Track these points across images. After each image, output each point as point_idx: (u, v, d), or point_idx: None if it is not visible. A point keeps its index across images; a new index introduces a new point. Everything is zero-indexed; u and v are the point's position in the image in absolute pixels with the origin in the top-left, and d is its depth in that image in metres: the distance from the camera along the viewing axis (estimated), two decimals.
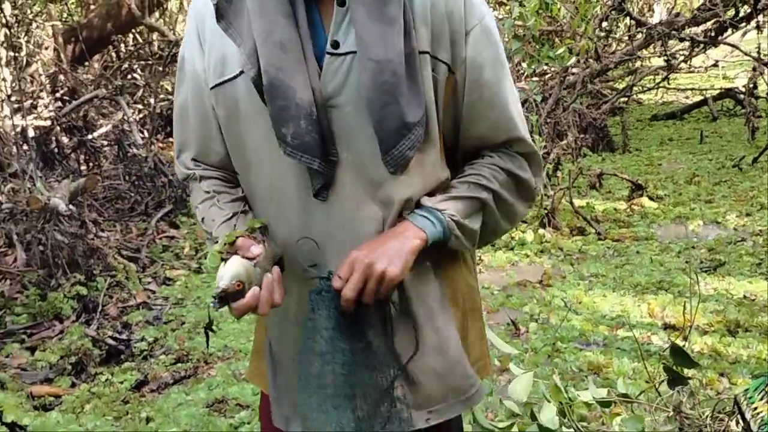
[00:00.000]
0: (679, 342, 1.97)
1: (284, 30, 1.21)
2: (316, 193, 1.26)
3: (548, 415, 1.91)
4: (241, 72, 1.25)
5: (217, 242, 1.28)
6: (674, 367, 1.92)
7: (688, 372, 1.93)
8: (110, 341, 3.84)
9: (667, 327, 3.60)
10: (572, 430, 1.94)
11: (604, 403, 1.98)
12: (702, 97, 9.98)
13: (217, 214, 1.35)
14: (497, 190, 1.32)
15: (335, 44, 1.22)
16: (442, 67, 1.27)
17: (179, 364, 3.64)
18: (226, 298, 1.18)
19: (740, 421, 1.63)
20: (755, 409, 1.53)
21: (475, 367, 1.39)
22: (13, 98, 6.14)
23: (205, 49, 1.32)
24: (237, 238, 1.22)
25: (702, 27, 7.98)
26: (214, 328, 1.27)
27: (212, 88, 1.31)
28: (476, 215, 1.32)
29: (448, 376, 1.34)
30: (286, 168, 1.27)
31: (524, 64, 9.21)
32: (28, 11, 8.34)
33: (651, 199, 5.85)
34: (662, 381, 2.04)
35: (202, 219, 1.38)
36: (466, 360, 1.37)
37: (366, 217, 1.28)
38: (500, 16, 8.65)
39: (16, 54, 6.92)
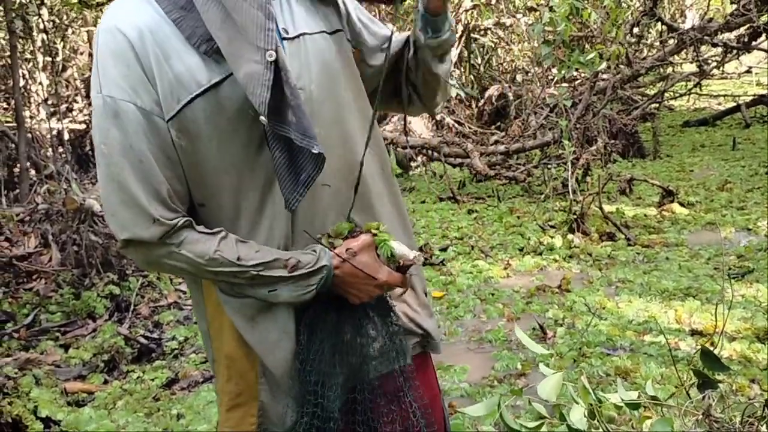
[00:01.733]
0: (708, 347, 1.95)
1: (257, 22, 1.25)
2: (288, 206, 1.27)
3: (577, 415, 1.91)
4: (198, 94, 1.22)
5: (293, 266, 1.28)
6: (704, 371, 1.91)
7: (718, 376, 1.92)
8: (142, 340, 3.92)
9: (694, 333, 3.56)
10: (601, 431, 1.94)
11: (633, 406, 1.98)
12: (735, 104, 9.85)
13: (250, 247, 1.30)
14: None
15: (285, 31, 1.31)
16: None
17: (209, 363, 3.69)
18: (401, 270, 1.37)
19: None
20: None
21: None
22: (49, 102, 6.27)
23: (154, 79, 1.22)
24: (378, 225, 1.36)
25: (735, 33, 7.89)
26: None
27: (171, 118, 1.23)
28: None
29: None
30: (248, 182, 1.29)
31: (554, 70, 9.20)
32: (65, 17, 8.52)
33: (682, 205, 5.79)
34: (692, 384, 2.03)
35: (238, 258, 1.27)
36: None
37: (340, 193, 1.37)
38: (530, 21, 8.66)
39: (53, 59, 7.06)
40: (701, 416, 1.96)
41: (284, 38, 1.30)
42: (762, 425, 1.89)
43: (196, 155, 1.26)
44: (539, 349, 2.14)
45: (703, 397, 1.98)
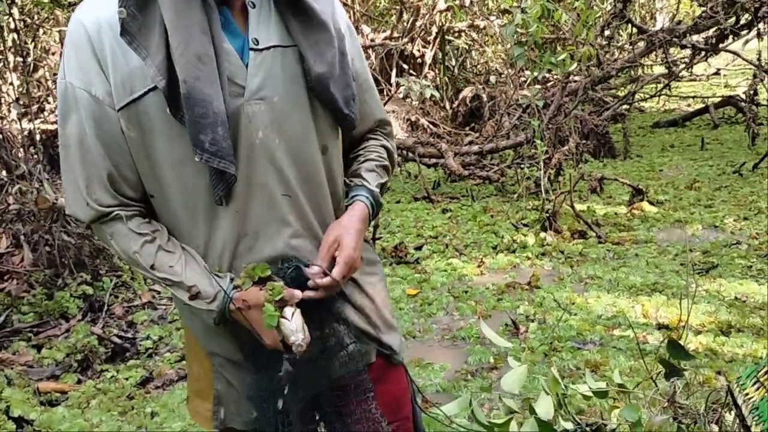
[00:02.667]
0: (675, 338, 2.01)
1: (201, 43, 1.24)
2: (219, 200, 1.32)
3: (544, 406, 1.95)
4: (153, 87, 1.25)
5: (194, 295, 1.34)
6: (670, 360, 1.96)
7: (683, 365, 1.98)
8: (116, 339, 3.90)
9: (661, 327, 3.64)
10: (570, 422, 1.98)
11: (601, 395, 2.02)
12: (704, 105, 10.03)
13: (170, 258, 1.35)
14: (390, 170, 1.60)
15: (256, 41, 1.32)
16: None
17: (184, 362, 3.68)
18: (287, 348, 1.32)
19: (733, 408, 1.68)
20: (747, 395, 1.58)
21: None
22: (20, 101, 6.20)
23: (108, 71, 1.27)
24: (281, 291, 1.31)
25: (703, 35, 8.04)
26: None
27: (122, 108, 1.27)
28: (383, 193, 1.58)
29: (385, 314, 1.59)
30: (199, 179, 1.32)
31: (527, 72, 9.30)
32: (35, 17, 8.42)
33: (651, 203, 5.89)
34: (659, 374, 2.08)
35: (151, 266, 1.34)
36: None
37: (298, 204, 1.40)
38: (503, 23, 8.74)
39: (24, 59, 6.98)
40: (667, 403, 2.02)
41: (252, 48, 1.32)
42: (725, 411, 1.95)
43: (146, 148, 1.30)
44: (503, 342, 2.18)
45: (671, 386, 2.04)
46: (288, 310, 1.30)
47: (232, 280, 1.36)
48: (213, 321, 1.36)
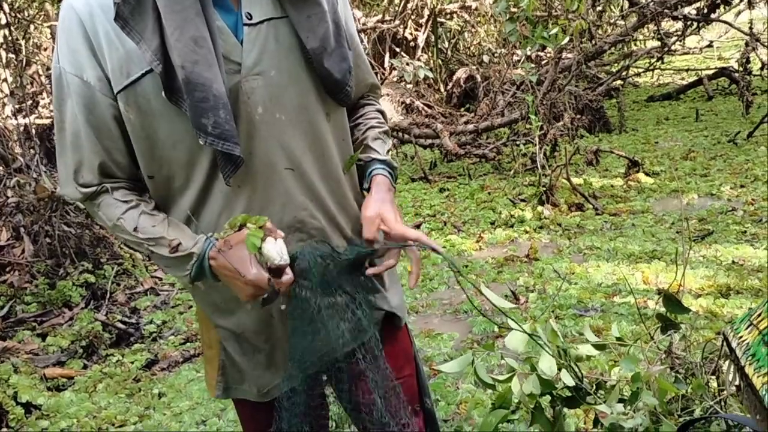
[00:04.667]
0: (671, 292, 2.03)
1: (196, 26, 1.23)
2: (228, 181, 1.31)
3: (547, 363, 1.97)
4: (149, 71, 1.25)
5: (175, 247, 1.32)
6: (667, 315, 1.99)
7: (680, 320, 2.01)
8: (120, 325, 3.93)
9: (660, 292, 3.67)
10: (570, 377, 2.01)
11: (600, 348, 2.05)
12: (697, 78, 10.02)
13: (152, 220, 1.36)
14: (389, 132, 1.62)
15: (249, 16, 1.32)
16: None
17: (188, 344, 3.72)
18: (272, 272, 1.29)
19: (729, 353, 1.71)
20: (741, 338, 1.61)
21: None
22: (15, 96, 6.21)
23: (103, 56, 1.27)
24: (265, 220, 1.29)
25: (695, 5, 8.03)
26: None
27: (120, 91, 1.27)
28: None
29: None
30: (202, 158, 1.32)
31: (520, 51, 9.29)
32: (26, 13, 8.39)
33: (647, 174, 5.91)
34: (657, 329, 2.11)
35: (135, 228, 1.34)
36: None
37: (305, 177, 1.40)
38: (493, 1, 8.73)
39: (16, 55, 6.97)
40: (664, 355, 2.05)
41: (246, 24, 1.31)
42: (722, 361, 1.98)
43: (146, 129, 1.31)
44: (504, 303, 2.21)
45: (668, 338, 2.07)
46: (270, 239, 1.28)
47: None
48: (190, 274, 1.33)
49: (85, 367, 3.58)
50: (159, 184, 1.38)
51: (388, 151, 1.56)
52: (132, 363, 3.54)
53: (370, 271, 1.47)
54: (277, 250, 1.27)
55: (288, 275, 1.30)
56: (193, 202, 1.37)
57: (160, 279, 4.65)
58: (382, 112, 1.62)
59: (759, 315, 1.70)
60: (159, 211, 1.38)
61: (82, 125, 1.31)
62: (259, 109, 1.32)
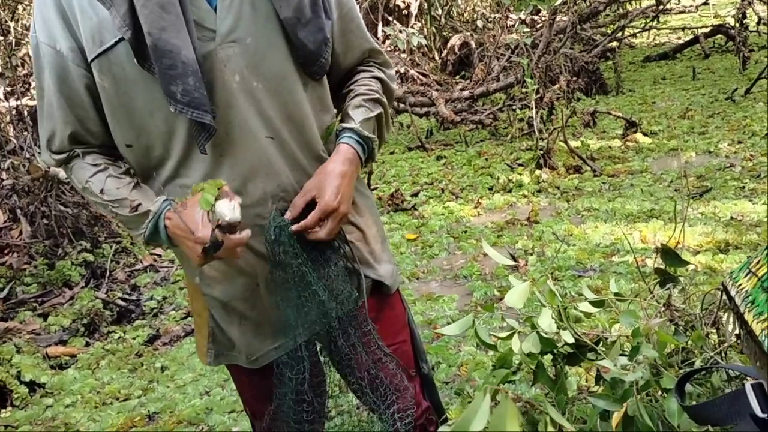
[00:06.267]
0: (668, 245, 2.02)
1: None
2: (202, 149, 1.30)
3: (546, 320, 1.97)
4: (122, 38, 1.24)
5: (135, 207, 1.32)
6: (666, 269, 1.98)
7: (679, 273, 2.00)
8: (120, 302, 3.93)
9: (659, 250, 3.66)
10: (569, 334, 2.00)
11: (599, 304, 2.04)
12: (693, 36, 9.92)
13: (118, 183, 1.36)
14: (383, 100, 1.51)
15: None
16: None
17: (189, 318, 3.72)
18: (223, 230, 1.26)
19: (728, 302, 1.69)
20: (740, 286, 1.59)
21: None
22: (5, 77, 6.16)
23: (77, 25, 1.27)
24: (222, 183, 1.27)
25: None
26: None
27: (93, 59, 1.27)
28: (377, 129, 1.50)
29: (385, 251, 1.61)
30: (179, 126, 1.30)
31: (513, 15, 9.19)
32: None
33: (645, 135, 5.88)
34: (656, 283, 2.11)
35: (101, 190, 1.35)
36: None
37: (286, 145, 1.38)
38: None
39: (5, 37, 6.90)
40: (663, 308, 2.04)
41: None
42: (722, 312, 1.98)
43: (121, 98, 1.30)
44: (504, 260, 2.20)
45: (667, 290, 2.06)
46: (225, 200, 1.26)
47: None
48: (144, 233, 1.33)
49: (87, 344, 3.59)
50: (138, 155, 1.37)
51: (368, 119, 1.47)
52: (134, 339, 3.55)
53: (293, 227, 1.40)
54: (230, 207, 1.25)
55: (241, 235, 1.28)
56: (173, 172, 1.36)
57: (159, 256, 4.65)
58: (380, 80, 1.54)
59: (758, 262, 1.69)
60: (129, 177, 1.39)
61: (54, 95, 1.32)
62: (236, 77, 1.30)
